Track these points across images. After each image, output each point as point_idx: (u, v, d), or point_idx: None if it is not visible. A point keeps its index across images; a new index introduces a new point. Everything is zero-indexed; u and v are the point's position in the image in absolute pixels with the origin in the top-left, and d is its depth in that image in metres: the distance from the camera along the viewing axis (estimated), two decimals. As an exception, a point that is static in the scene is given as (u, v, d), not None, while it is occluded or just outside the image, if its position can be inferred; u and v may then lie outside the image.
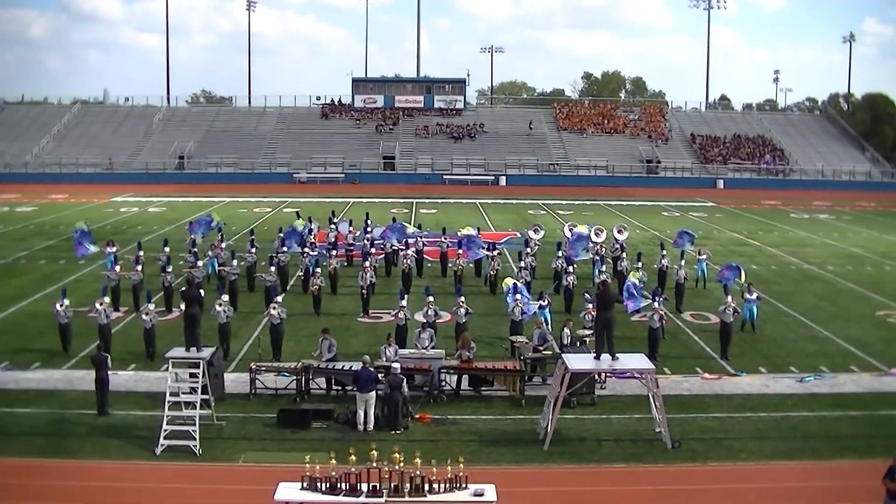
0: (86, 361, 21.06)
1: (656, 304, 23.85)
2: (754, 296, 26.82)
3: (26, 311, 28.76)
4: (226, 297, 23.92)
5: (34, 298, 30.36)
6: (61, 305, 23.66)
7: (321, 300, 28.39)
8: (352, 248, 36.60)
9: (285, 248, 32.95)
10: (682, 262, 30.22)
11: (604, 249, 33.99)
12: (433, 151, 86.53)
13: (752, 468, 16.44)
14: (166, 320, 25.90)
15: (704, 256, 33.78)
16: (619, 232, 35.74)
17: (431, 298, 24.42)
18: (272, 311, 23.16)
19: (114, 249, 32.60)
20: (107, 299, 24.32)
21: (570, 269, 29.93)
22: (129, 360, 22.83)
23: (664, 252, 32.49)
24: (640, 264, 30.21)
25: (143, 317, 23.37)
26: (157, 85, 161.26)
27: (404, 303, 23.84)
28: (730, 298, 24.45)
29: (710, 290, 31.94)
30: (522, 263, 30.21)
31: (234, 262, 30.07)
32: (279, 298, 24.02)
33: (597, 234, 34.80)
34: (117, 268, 28.98)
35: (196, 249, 32.80)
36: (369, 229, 36.93)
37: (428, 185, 77.05)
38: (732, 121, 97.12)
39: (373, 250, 33.20)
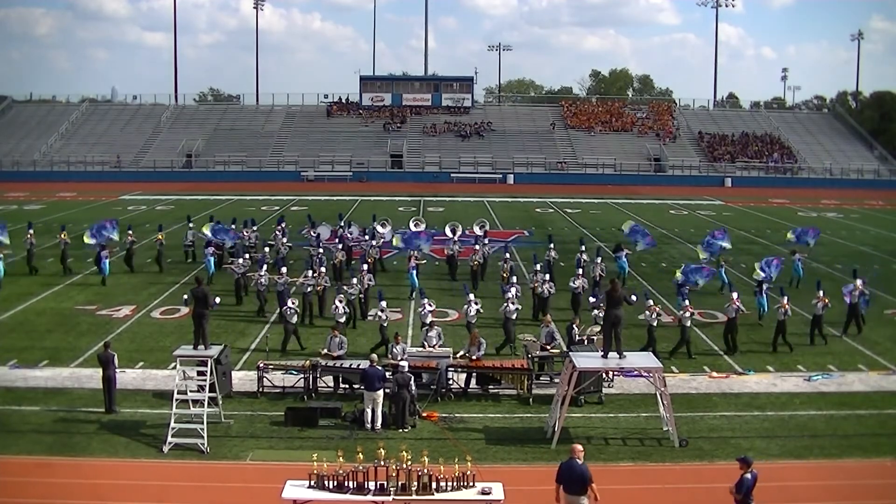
0: (94, 359, 21.07)
1: (650, 302, 24.23)
2: (866, 290, 27.17)
3: (34, 308, 28.82)
4: (295, 302, 24.69)
5: (42, 296, 30.45)
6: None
7: (326, 299, 28.37)
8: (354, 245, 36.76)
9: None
10: (599, 259, 31.09)
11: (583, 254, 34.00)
12: (441, 150, 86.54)
13: (759, 467, 16.32)
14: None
15: (797, 257, 34.03)
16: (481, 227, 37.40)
17: (472, 297, 24.80)
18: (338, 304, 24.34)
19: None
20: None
21: (507, 254, 31.11)
22: (136, 357, 22.87)
23: (583, 248, 33.20)
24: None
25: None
26: (165, 83, 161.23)
27: (384, 303, 24.18)
28: (735, 296, 24.50)
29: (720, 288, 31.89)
30: (538, 267, 30.31)
31: (241, 262, 30.33)
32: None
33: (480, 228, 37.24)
34: (247, 256, 30.90)
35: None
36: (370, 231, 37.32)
37: (436, 184, 77.11)
38: (740, 119, 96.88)
39: (373, 242, 34.02)
